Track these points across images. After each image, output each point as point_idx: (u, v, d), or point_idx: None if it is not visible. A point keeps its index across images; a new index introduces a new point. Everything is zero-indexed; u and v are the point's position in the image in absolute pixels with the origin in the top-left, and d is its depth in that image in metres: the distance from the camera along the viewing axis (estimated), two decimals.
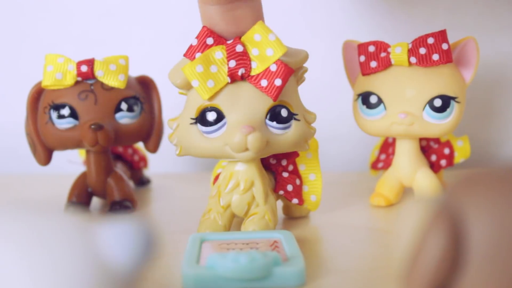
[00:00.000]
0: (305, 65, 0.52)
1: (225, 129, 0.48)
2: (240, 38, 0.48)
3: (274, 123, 0.49)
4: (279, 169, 0.54)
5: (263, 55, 0.48)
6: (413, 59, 0.57)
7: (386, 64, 0.58)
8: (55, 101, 0.58)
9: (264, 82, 0.47)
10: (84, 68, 0.58)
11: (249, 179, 0.50)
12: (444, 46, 0.56)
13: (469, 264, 0.26)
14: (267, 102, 0.48)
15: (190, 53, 0.49)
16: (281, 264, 0.39)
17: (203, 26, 0.49)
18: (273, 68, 0.47)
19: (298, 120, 0.50)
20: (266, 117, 0.49)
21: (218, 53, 0.48)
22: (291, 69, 0.48)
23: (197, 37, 0.49)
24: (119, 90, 0.60)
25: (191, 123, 0.50)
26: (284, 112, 0.49)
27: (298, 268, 0.39)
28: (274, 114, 0.49)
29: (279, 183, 0.54)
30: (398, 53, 0.57)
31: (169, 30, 0.87)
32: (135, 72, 0.64)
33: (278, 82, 0.47)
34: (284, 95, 0.49)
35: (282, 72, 0.47)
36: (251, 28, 0.48)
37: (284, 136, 0.49)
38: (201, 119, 0.49)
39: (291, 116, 0.49)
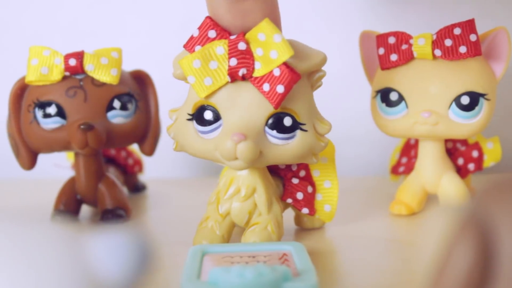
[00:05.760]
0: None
1: (219, 131, 0.49)
2: (244, 34, 0.48)
3: (274, 132, 0.48)
4: (288, 175, 0.54)
5: (267, 56, 0.47)
6: (437, 52, 0.57)
7: (408, 57, 0.58)
8: (40, 98, 0.59)
9: (266, 86, 0.47)
10: (72, 62, 0.59)
11: (251, 185, 0.50)
12: (472, 37, 0.56)
13: (500, 278, 0.26)
14: (269, 108, 0.48)
15: (190, 45, 0.49)
16: (292, 279, 0.39)
17: (207, 17, 0.49)
18: (276, 72, 0.47)
19: (305, 130, 0.49)
20: (265, 124, 0.48)
21: (220, 48, 0.48)
22: (297, 75, 0.47)
23: (199, 28, 0.49)
24: (112, 86, 0.60)
25: (187, 119, 0.50)
26: (287, 121, 0.48)
27: (310, 284, 0.39)
28: (275, 122, 0.48)
29: (287, 190, 0.54)
30: (421, 45, 0.57)
31: (167, 20, 0.87)
32: (129, 66, 0.64)
33: (280, 89, 0.46)
34: (291, 101, 0.48)
35: (285, 78, 0.46)
36: (256, 26, 0.47)
37: (284, 148, 0.49)
38: (197, 116, 0.49)
39: (296, 125, 0.49)
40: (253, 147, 0.47)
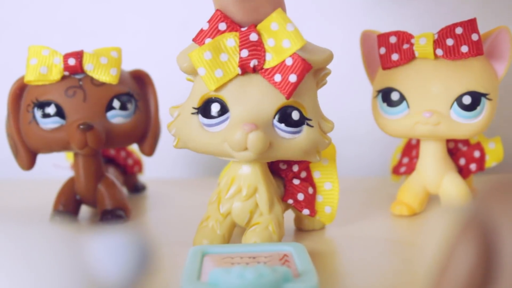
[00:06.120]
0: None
1: (227, 124, 0.48)
2: (256, 26, 0.48)
3: (283, 126, 0.48)
4: (289, 175, 0.54)
5: (279, 46, 0.47)
6: (439, 51, 0.57)
7: (409, 56, 0.58)
8: (39, 98, 0.59)
9: (277, 77, 0.47)
10: (71, 61, 0.59)
11: (252, 185, 0.50)
12: (474, 37, 0.56)
13: (501, 279, 0.26)
14: (278, 101, 0.48)
15: (199, 38, 0.49)
16: (292, 280, 0.39)
17: (217, 10, 0.49)
18: (289, 62, 0.47)
19: (311, 126, 0.50)
20: (274, 118, 0.48)
21: (230, 40, 0.48)
22: (309, 65, 0.47)
23: (209, 21, 0.49)
24: (111, 86, 0.60)
25: (192, 113, 0.50)
26: (295, 115, 0.49)
27: (311, 285, 0.39)
28: (283, 115, 0.49)
29: (288, 191, 0.54)
30: (422, 45, 0.57)
31: (168, 19, 0.87)
32: (129, 66, 0.64)
33: (292, 78, 0.47)
34: (299, 95, 0.49)
35: (298, 67, 0.47)
36: (268, 16, 0.48)
37: (292, 142, 0.49)
38: (203, 110, 0.49)
39: (303, 120, 0.49)
40: (264, 137, 0.47)
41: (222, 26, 0.49)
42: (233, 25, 0.49)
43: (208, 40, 0.49)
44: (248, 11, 0.48)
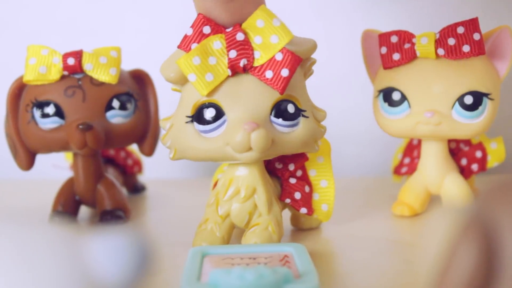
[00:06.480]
0: (313, 56, 0.52)
1: (225, 127, 0.48)
2: (240, 25, 0.48)
3: (280, 120, 0.49)
4: (285, 175, 0.54)
5: (267, 43, 0.47)
6: (441, 51, 0.57)
7: (410, 56, 0.58)
8: (38, 98, 0.59)
9: (269, 74, 0.47)
10: (71, 61, 0.58)
11: (250, 186, 0.50)
12: (476, 36, 0.56)
13: (503, 279, 0.26)
14: (272, 97, 0.48)
15: (185, 44, 0.49)
16: (293, 281, 0.39)
17: (199, 14, 0.49)
18: (279, 57, 0.47)
19: (307, 117, 0.50)
20: (270, 114, 0.48)
21: (217, 42, 0.48)
22: (299, 58, 0.47)
23: (192, 26, 0.49)
24: (111, 85, 0.60)
25: (186, 122, 0.50)
26: (291, 108, 0.49)
27: (312, 285, 0.39)
28: (279, 110, 0.49)
29: (285, 191, 0.54)
30: (424, 44, 0.57)
31: (167, 18, 0.87)
32: (128, 65, 0.64)
33: (285, 72, 0.47)
34: (291, 88, 0.49)
35: (289, 61, 0.47)
36: (253, 13, 0.48)
37: (291, 135, 0.49)
38: (198, 116, 0.49)
39: (298, 112, 0.49)
40: (266, 134, 0.47)
41: (207, 29, 0.49)
42: (218, 27, 0.49)
43: (194, 45, 0.48)
44: (231, 11, 0.48)
